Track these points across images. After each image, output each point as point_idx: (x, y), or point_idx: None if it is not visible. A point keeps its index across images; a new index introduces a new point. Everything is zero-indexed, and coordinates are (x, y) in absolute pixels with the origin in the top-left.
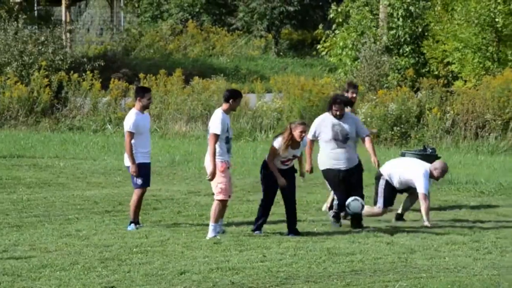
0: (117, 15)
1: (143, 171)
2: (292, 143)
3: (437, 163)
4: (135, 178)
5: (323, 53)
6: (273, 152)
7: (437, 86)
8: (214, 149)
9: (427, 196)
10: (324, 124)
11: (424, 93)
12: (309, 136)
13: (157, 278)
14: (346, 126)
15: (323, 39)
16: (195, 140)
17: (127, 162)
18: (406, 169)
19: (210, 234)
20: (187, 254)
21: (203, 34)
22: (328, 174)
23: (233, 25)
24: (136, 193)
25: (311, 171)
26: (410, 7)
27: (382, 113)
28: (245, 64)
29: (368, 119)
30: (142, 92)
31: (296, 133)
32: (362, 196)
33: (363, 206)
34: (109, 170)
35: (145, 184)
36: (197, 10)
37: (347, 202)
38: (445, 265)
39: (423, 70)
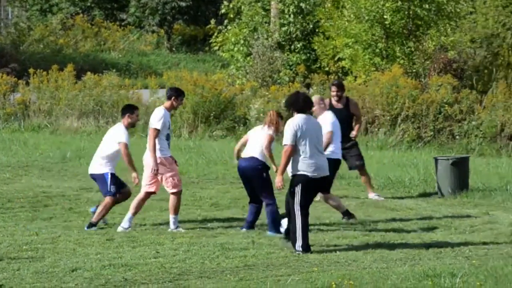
0: (4, 9)
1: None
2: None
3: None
4: (108, 185)
5: (216, 48)
6: (271, 139)
7: (328, 82)
8: (154, 144)
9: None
10: None
11: (316, 88)
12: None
13: (47, 276)
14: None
15: (216, 34)
16: (87, 136)
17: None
18: None
19: (172, 226)
20: (79, 251)
21: (94, 28)
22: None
23: (124, 20)
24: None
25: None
26: (301, 4)
27: (275, 109)
28: (138, 60)
29: (261, 114)
30: (132, 109)
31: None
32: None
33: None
34: None
35: (113, 191)
36: (88, 4)
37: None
38: (336, 259)
39: (314, 66)
